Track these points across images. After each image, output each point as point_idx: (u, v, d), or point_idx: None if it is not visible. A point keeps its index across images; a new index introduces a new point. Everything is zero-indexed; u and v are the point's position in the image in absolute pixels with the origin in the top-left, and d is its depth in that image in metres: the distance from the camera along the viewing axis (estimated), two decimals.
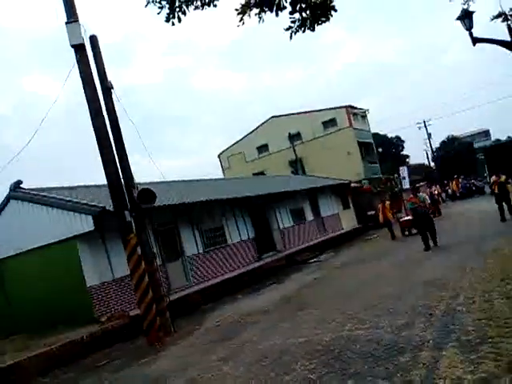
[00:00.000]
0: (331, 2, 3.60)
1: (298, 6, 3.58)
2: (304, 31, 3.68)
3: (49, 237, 10.87)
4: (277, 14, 3.55)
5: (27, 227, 11.40)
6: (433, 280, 7.76)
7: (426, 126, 51.91)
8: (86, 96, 8.42)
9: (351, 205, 26.47)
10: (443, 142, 60.61)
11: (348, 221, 25.04)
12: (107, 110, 8.92)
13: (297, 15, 3.66)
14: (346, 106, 37.82)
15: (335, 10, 3.62)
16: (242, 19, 3.68)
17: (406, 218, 17.03)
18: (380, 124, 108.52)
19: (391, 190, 29.28)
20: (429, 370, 4.02)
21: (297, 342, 6.03)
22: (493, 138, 77.07)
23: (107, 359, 8.15)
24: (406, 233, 16.78)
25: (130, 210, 8.86)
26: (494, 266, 7.63)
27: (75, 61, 8.27)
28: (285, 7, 3.62)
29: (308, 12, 3.57)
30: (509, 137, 57.12)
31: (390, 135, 57.42)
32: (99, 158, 8.69)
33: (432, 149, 54.80)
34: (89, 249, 10.69)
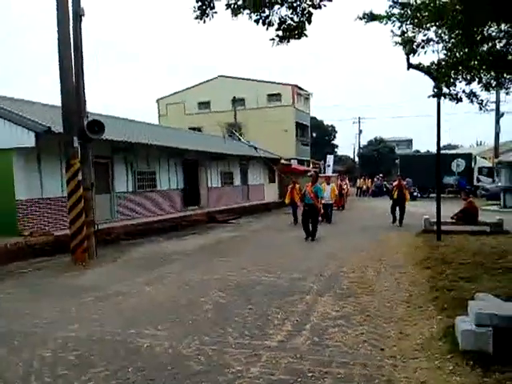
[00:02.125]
0: (305, 29, 4.67)
1: (282, 26, 4.60)
2: (282, 43, 4.71)
3: None
4: (267, 29, 4.52)
5: None
6: (328, 253, 9.48)
7: (359, 123, 55.66)
8: (57, 18, 8.54)
9: (277, 179, 28.28)
10: (370, 141, 65.14)
11: (271, 194, 26.86)
12: (74, 36, 9.09)
13: (280, 32, 4.68)
14: (292, 85, 39.18)
15: (306, 36, 4.70)
16: (236, 15, 4.56)
17: None
18: (316, 109, 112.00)
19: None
20: (308, 306, 5.53)
21: (212, 278, 7.30)
22: (414, 148, 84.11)
23: (32, 268, 8.78)
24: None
25: (78, 137, 9.30)
26: (375, 251, 9.56)
27: None
28: (273, 24, 4.59)
29: (287, 33, 4.60)
30: (428, 151, 63.14)
31: (326, 123, 60.36)
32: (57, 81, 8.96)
33: (359, 145, 59.00)
34: (24, 164, 10.84)
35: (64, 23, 8.71)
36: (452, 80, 6.96)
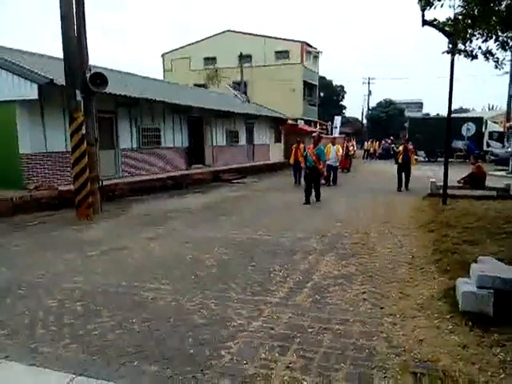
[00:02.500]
0: None
1: None
2: None
3: None
4: None
5: None
6: (332, 215, 9.47)
7: (369, 83, 54.28)
8: None
9: (283, 139, 27.96)
10: (380, 102, 63.66)
11: (276, 154, 26.64)
12: None
13: None
14: (302, 42, 37.87)
15: None
16: None
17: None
18: (325, 68, 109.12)
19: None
20: (311, 265, 5.56)
21: (216, 236, 7.34)
22: (424, 111, 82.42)
23: (37, 221, 8.87)
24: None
25: (81, 90, 9.11)
26: (380, 213, 9.55)
27: None
28: None
29: None
30: (437, 114, 61.81)
31: (334, 83, 58.90)
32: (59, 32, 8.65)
33: (368, 106, 57.83)
34: (27, 117, 10.72)
35: None
36: (468, 36, 6.62)
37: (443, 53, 7.23)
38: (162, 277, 5.15)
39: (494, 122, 34.53)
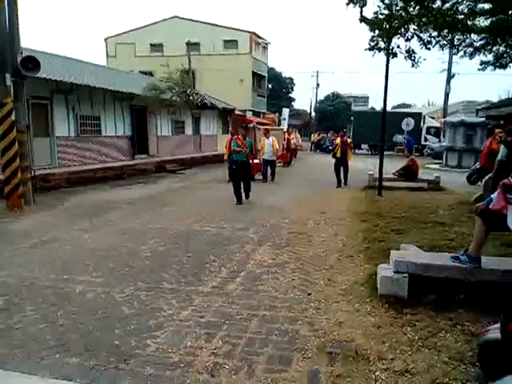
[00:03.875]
0: None
1: None
2: None
3: None
4: None
5: None
6: (271, 207, 9.64)
7: (317, 76, 55.38)
8: None
9: (230, 130, 27.90)
10: (327, 96, 65.09)
11: (224, 145, 26.52)
12: None
13: None
14: (250, 32, 37.77)
15: None
16: None
17: (256, 160, 14.31)
18: (275, 60, 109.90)
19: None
20: (247, 254, 5.69)
21: (154, 227, 7.27)
22: (370, 105, 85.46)
23: None
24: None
25: (11, 75, 8.57)
26: (318, 205, 9.87)
27: None
28: None
29: None
30: (381, 108, 64.29)
31: (284, 75, 59.48)
32: None
33: (317, 99, 59.06)
34: None
35: None
36: (390, 35, 6.99)
37: (365, 50, 7.54)
38: (94, 269, 5.04)
39: (432, 118, 36.62)
